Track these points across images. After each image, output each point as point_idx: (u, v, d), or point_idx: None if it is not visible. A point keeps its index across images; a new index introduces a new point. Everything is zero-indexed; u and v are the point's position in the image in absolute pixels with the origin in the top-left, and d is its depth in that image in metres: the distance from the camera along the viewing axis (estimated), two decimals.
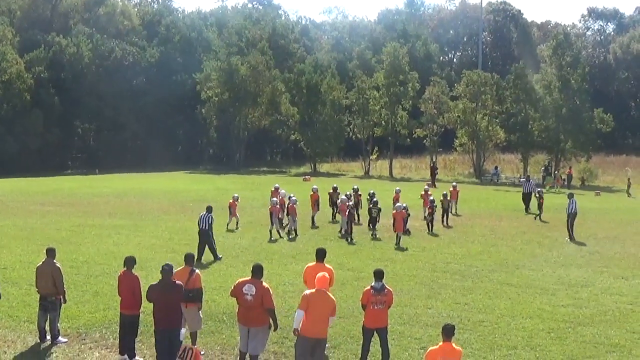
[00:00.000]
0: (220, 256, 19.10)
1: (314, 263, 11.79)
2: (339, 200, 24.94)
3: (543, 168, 50.42)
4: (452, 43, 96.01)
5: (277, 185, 29.67)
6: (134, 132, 66.50)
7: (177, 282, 10.55)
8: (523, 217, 29.15)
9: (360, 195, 28.08)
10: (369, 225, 24.18)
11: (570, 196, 24.98)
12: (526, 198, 31.39)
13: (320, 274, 10.19)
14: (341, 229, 23.93)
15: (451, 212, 29.31)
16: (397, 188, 30.31)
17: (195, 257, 18.49)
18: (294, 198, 24.37)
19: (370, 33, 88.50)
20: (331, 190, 28.29)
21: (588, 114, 52.87)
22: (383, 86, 58.07)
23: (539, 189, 32.72)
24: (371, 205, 24.51)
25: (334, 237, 23.35)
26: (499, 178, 51.64)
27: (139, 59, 69.38)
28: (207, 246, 19.07)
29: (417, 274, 17.54)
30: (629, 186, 44.50)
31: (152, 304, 10.53)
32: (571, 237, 23.62)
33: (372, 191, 27.00)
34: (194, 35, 74.52)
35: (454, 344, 8.60)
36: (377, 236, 23.29)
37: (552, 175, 47.94)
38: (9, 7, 72.06)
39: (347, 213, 23.40)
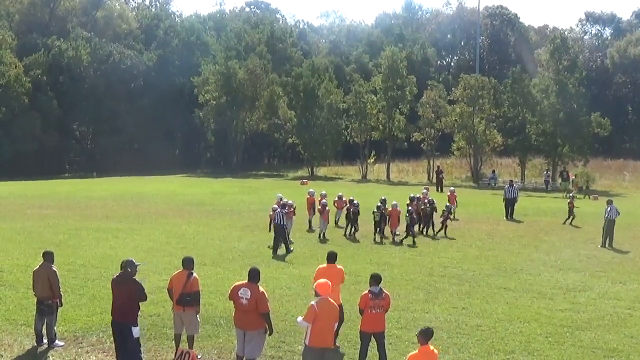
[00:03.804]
0: (292, 249, 20.90)
1: (325, 265, 12.02)
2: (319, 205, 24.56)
3: (547, 173, 50.67)
4: (450, 47, 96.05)
5: (323, 192, 27.43)
6: (131, 135, 66.55)
7: (136, 279, 10.66)
8: (520, 222, 29.07)
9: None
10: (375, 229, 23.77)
11: (609, 202, 24.55)
12: (509, 204, 30.17)
13: (321, 280, 10.08)
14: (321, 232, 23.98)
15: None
16: (452, 188, 32.14)
17: (272, 251, 20.40)
18: (290, 202, 24.33)
19: (368, 37, 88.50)
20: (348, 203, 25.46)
21: (585, 118, 52.89)
22: (381, 90, 58.14)
23: (570, 194, 32.41)
24: (375, 210, 24.04)
25: (331, 240, 23.31)
26: (497, 182, 51.59)
27: (137, 62, 69.34)
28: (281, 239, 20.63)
29: (415, 278, 17.53)
30: (547, 183, 48.41)
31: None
32: (609, 244, 23.14)
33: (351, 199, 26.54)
34: (192, 39, 74.44)
35: (431, 346, 8.80)
36: (382, 240, 23.21)
37: (570, 181, 46.93)
38: (7, 10, 72.08)
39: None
